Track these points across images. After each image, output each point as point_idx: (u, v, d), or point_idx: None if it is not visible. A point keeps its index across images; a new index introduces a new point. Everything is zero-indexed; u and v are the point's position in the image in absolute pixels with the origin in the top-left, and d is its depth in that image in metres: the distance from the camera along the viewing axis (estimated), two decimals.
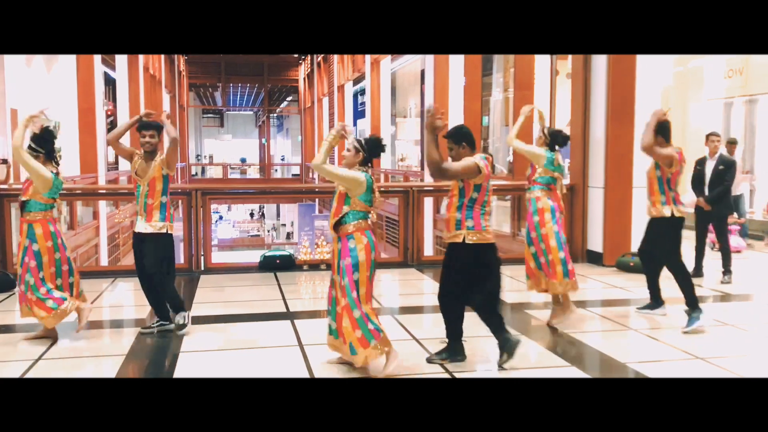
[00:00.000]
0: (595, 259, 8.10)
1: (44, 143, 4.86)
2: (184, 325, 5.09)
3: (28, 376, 4.16)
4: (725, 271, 7.17)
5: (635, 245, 6.80)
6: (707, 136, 7.40)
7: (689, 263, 7.50)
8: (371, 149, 4.20)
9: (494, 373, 4.35)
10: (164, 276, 5.08)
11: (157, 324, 5.21)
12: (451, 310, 4.40)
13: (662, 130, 5.31)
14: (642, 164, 7.70)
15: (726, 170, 7.16)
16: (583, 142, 8.29)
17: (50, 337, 5.00)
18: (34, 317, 4.90)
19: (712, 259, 7.96)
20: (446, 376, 4.19)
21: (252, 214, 41.84)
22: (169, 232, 5.07)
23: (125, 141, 5.47)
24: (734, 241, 8.61)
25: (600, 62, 8.03)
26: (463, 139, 4.27)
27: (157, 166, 4.98)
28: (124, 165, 16.93)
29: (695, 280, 7.28)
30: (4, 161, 9.91)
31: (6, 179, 9.71)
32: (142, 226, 5.01)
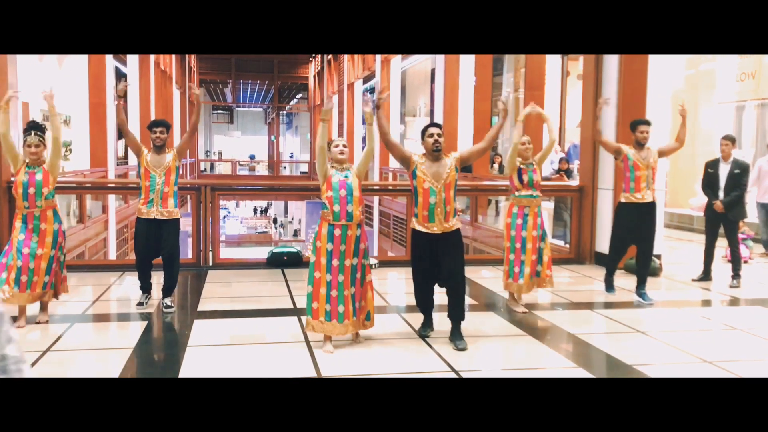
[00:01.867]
0: (603, 261, 8.06)
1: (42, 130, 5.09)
2: (171, 307, 5.63)
3: (37, 367, 4.18)
4: (734, 276, 7.13)
5: None
6: (732, 141, 7.32)
7: (698, 266, 7.49)
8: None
9: (500, 372, 4.39)
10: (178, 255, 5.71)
11: (170, 303, 5.66)
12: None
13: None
14: None
15: (742, 174, 7.12)
16: (593, 143, 8.26)
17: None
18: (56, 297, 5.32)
19: (720, 263, 7.93)
20: (453, 375, 4.19)
21: (255, 211, 41.85)
22: (178, 217, 5.60)
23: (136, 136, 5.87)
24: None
25: (611, 64, 7.99)
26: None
27: (172, 158, 5.48)
28: (134, 160, 16.97)
29: (704, 284, 7.26)
30: None
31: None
32: (160, 213, 5.47)
